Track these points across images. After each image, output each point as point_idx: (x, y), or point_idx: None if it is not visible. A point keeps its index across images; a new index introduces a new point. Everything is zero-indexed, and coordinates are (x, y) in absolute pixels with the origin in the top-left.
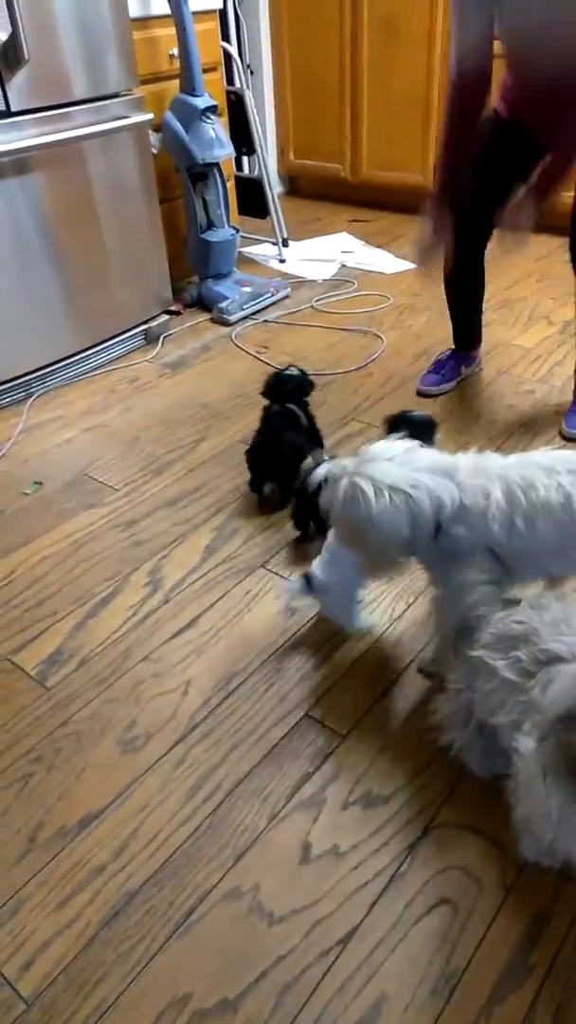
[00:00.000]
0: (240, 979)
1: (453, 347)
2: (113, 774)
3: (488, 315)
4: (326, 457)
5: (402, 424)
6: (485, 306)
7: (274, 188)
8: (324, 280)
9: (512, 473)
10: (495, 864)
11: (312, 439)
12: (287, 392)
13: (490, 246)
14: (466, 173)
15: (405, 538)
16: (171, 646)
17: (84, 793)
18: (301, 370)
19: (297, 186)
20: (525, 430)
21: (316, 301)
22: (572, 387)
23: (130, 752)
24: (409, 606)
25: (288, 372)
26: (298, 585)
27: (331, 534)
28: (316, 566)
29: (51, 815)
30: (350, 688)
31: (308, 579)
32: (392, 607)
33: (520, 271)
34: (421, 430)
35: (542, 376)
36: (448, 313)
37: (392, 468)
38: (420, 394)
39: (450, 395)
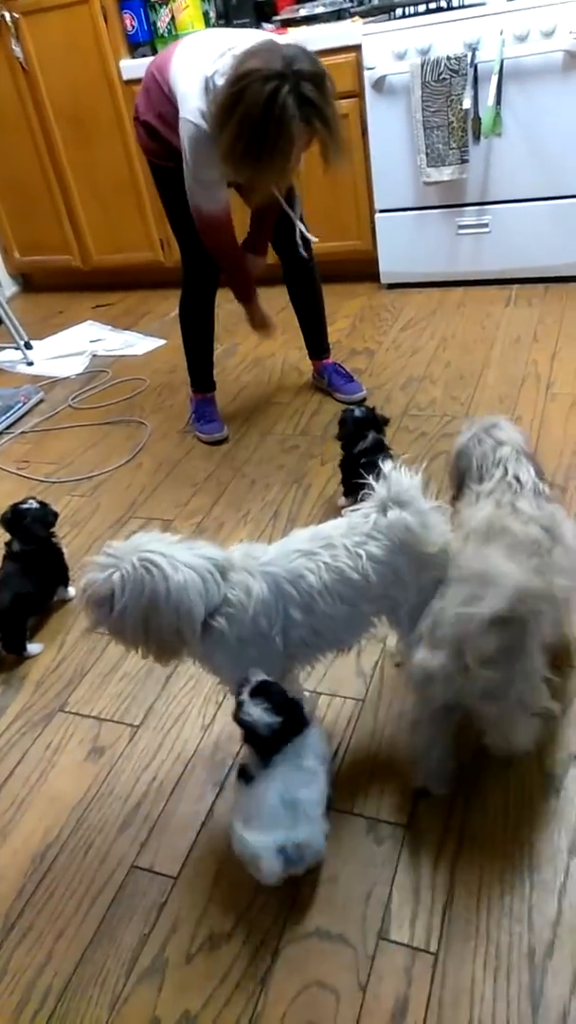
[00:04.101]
0: None
1: (197, 395)
2: None
3: (243, 377)
4: None
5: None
6: (240, 368)
7: (4, 292)
8: (77, 375)
9: (275, 568)
10: (347, 965)
11: (57, 576)
12: (27, 528)
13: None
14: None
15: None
16: None
17: None
18: (41, 501)
19: (32, 282)
20: (298, 487)
21: (73, 399)
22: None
23: None
24: (220, 706)
25: (26, 505)
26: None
27: None
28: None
29: None
30: (174, 819)
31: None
32: (203, 713)
33: None
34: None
35: (303, 428)
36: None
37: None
38: (211, 443)
39: (220, 467)
